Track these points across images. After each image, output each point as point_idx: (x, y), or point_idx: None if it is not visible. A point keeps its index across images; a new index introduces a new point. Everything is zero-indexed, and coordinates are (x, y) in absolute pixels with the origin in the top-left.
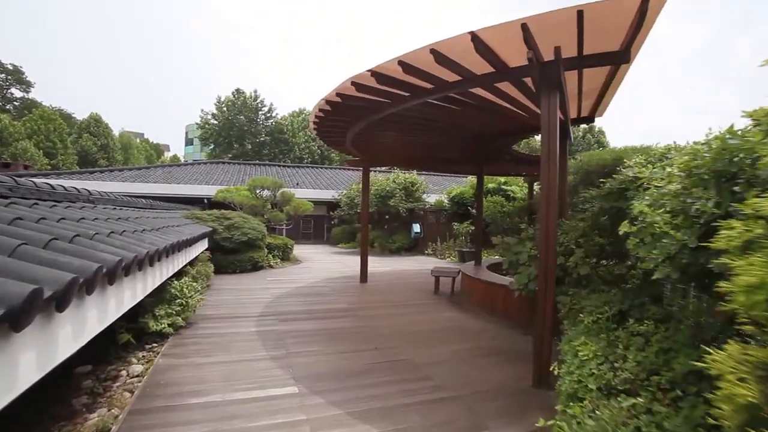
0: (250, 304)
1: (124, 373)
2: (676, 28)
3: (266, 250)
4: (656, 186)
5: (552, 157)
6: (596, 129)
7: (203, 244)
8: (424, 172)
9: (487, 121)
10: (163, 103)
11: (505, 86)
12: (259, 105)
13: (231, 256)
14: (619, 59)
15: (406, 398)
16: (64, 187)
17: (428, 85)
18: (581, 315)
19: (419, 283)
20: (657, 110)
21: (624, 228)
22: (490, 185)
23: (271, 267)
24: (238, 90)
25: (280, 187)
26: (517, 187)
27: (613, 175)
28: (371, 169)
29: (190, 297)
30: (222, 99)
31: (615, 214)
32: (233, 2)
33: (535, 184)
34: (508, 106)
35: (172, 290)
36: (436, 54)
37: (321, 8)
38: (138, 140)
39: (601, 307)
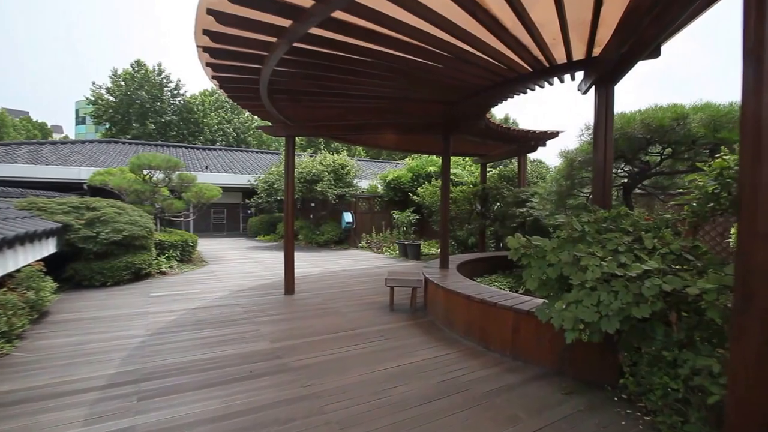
0: (99, 355)
1: None
2: None
3: (155, 251)
4: None
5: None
6: None
7: (34, 251)
8: (364, 159)
9: (462, 68)
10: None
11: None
12: (165, 81)
13: (97, 262)
14: None
15: None
16: None
17: None
18: None
19: (365, 292)
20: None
21: None
22: (431, 168)
23: (162, 274)
24: (138, 62)
25: (176, 168)
26: (463, 170)
27: None
28: (298, 141)
29: None
30: (119, 72)
31: None
32: None
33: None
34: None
35: None
36: None
37: None
38: (18, 119)
39: None
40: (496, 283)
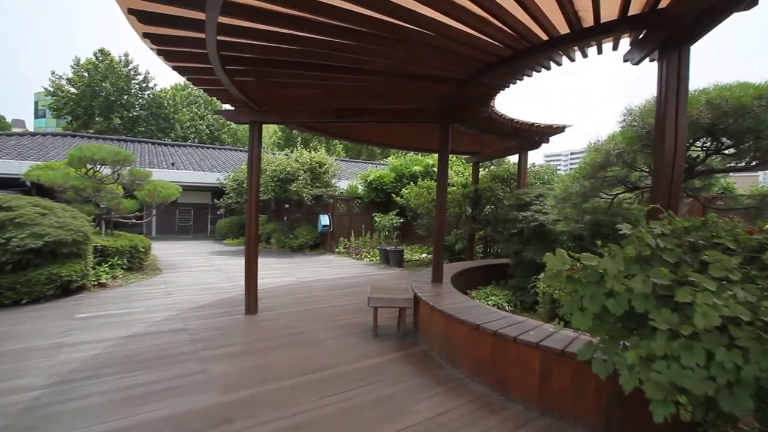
0: None
1: None
2: None
3: (92, 258)
4: None
5: None
6: None
7: None
8: (344, 159)
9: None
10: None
11: None
12: (132, 72)
13: (9, 276)
14: None
15: None
16: None
17: None
18: None
19: (343, 310)
20: None
21: None
22: (416, 168)
23: (101, 286)
24: (102, 51)
25: (126, 162)
26: (450, 170)
27: None
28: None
29: None
30: (82, 61)
31: None
32: None
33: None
34: None
35: None
36: None
37: None
38: None
39: None
40: (493, 297)
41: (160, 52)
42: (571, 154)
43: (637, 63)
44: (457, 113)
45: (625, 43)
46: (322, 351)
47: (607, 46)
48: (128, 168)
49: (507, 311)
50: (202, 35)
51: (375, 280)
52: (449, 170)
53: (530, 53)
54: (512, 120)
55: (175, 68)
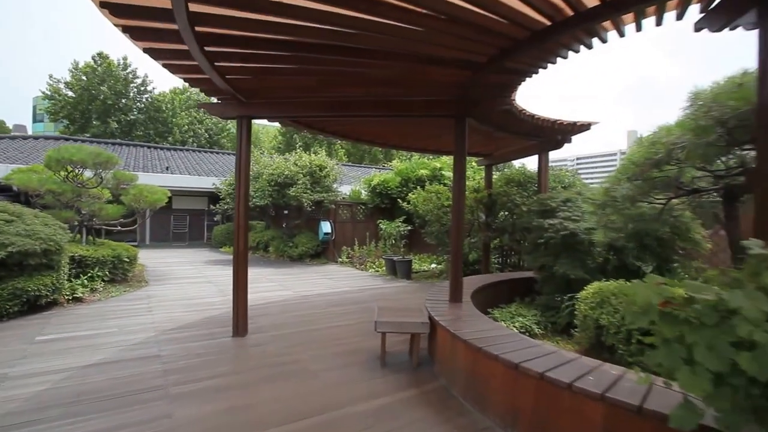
0: None
1: None
2: None
3: (66, 269)
4: None
5: None
6: None
7: None
8: (346, 163)
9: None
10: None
11: None
12: (131, 76)
13: None
14: None
15: None
16: None
17: None
18: None
19: (345, 332)
20: None
21: None
22: (422, 172)
23: (78, 301)
24: (100, 54)
25: (109, 164)
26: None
27: None
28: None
29: None
30: (80, 65)
31: None
32: None
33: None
34: None
35: None
36: None
37: None
38: None
39: None
40: (520, 318)
41: (125, 29)
42: (577, 159)
43: (718, 30)
44: (472, 105)
45: (694, 10)
46: (319, 387)
47: (670, 15)
48: (112, 171)
49: (537, 335)
50: (168, 4)
51: (382, 295)
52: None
53: (572, 24)
54: (533, 116)
55: (146, 51)
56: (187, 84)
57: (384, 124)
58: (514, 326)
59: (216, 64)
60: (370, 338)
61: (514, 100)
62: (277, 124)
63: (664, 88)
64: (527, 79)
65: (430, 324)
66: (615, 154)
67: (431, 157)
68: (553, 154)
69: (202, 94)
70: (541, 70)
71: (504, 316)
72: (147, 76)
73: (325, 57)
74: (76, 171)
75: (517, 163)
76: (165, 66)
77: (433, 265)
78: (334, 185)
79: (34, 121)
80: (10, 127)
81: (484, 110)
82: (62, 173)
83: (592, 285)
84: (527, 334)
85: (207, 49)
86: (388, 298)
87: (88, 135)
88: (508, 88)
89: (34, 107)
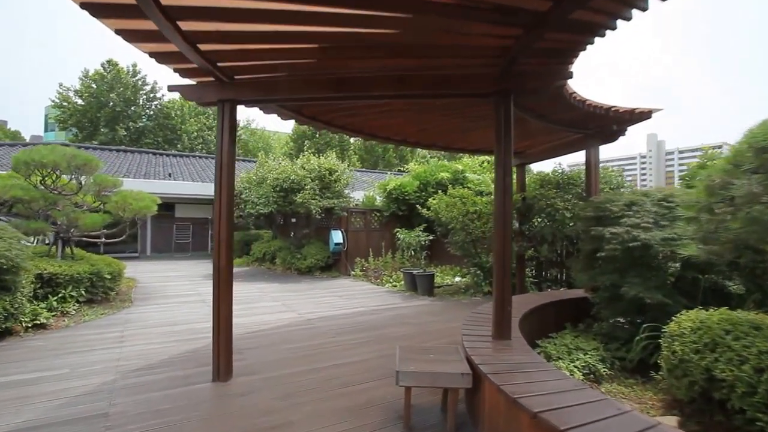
0: None
1: None
2: None
3: (28, 290)
4: None
5: None
6: None
7: None
8: (359, 169)
9: None
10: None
11: None
12: (140, 83)
13: None
14: None
15: None
16: None
17: None
18: None
19: (356, 372)
20: None
21: None
22: (443, 175)
23: (40, 328)
24: (109, 61)
25: (87, 168)
26: (481, 174)
27: None
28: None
29: None
30: (90, 73)
31: None
32: None
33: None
34: None
35: None
36: None
37: None
38: None
39: None
40: (580, 354)
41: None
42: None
43: None
44: (518, 83)
45: None
46: None
47: None
48: (93, 176)
49: (604, 376)
50: None
51: (401, 318)
52: (482, 176)
53: None
54: (584, 101)
55: (83, 6)
56: (126, 41)
57: (402, 115)
58: (575, 367)
59: (179, 24)
60: (387, 383)
61: (572, 73)
62: (288, 130)
63: (682, 92)
64: (595, 40)
65: (474, 376)
66: (635, 158)
67: (455, 156)
68: (566, 157)
69: (154, 60)
70: (608, 30)
71: (559, 351)
72: (156, 83)
73: (328, 11)
74: (54, 175)
75: (534, 167)
76: (119, 32)
77: (457, 278)
78: (346, 191)
79: (46, 130)
80: (27, 138)
81: (536, 86)
82: (34, 178)
83: (687, 315)
84: (592, 376)
85: (165, 3)
86: (408, 322)
87: (96, 142)
88: (567, 54)
89: (46, 116)
